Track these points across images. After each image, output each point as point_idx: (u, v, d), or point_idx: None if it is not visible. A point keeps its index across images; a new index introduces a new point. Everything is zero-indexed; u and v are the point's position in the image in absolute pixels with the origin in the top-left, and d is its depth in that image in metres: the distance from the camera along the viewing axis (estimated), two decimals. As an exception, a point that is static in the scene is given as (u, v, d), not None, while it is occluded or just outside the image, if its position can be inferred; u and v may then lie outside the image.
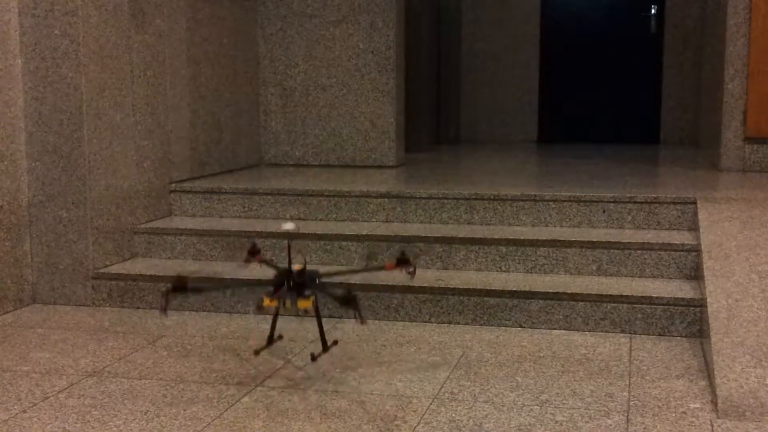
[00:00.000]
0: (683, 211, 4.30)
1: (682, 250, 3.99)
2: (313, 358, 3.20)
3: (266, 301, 3.11)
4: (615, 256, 4.06)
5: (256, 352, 3.31)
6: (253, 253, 3.49)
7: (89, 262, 4.31)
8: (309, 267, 3.28)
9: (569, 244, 4.12)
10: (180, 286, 3.12)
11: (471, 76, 8.44)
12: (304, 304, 3.11)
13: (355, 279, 4.09)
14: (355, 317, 3.10)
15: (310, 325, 3.92)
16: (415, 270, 3.30)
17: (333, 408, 2.91)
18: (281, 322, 3.98)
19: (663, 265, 4.01)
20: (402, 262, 3.27)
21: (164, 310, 3.17)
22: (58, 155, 4.25)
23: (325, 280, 3.31)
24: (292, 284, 3.12)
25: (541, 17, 8.27)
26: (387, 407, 2.91)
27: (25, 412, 2.92)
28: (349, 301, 3.01)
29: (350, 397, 3.02)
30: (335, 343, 3.45)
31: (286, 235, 3.34)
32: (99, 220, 4.34)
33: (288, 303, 3.11)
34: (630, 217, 4.36)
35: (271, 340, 3.36)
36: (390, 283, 4.00)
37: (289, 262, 3.19)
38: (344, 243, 4.36)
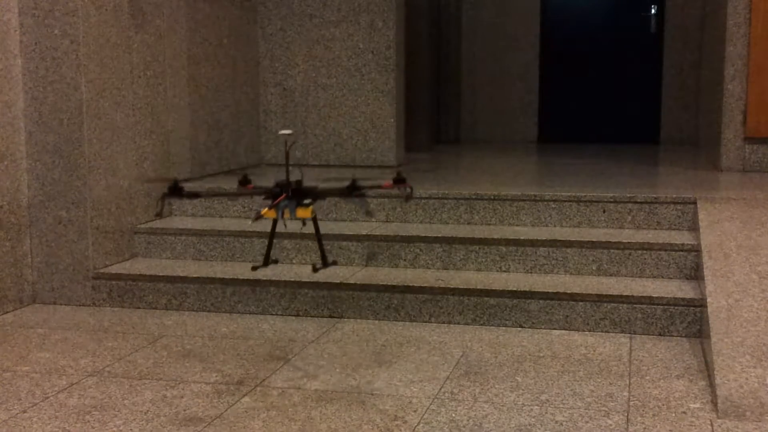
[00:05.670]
0: (683, 211, 4.30)
1: (682, 250, 3.98)
2: (315, 269, 3.14)
3: (264, 211, 3.04)
4: (615, 256, 4.06)
5: (254, 269, 3.25)
6: (244, 184, 3.37)
7: (89, 262, 4.31)
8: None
9: (569, 244, 4.12)
10: (176, 189, 3.06)
11: (471, 76, 8.44)
12: (304, 213, 3.04)
13: (355, 279, 4.09)
14: (365, 210, 3.09)
15: (310, 325, 3.92)
16: (412, 190, 3.19)
17: (333, 408, 2.92)
18: (282, 322, 3.98)
19: (663, 265, 4.01)
20: (399, 180, 3.16)
21: (159, 214, 3.12)
22: (58, 155, 4.25)
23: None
24: (291, 193, 3.04)
25: (541, 17, 8.27)
26: (387, 407, 2.91)
27: (25, 412, 2.92)
28: (353, 189, 2.99)
29: (350, 397, 3.02)
30: (335, 262, 3.36)
31: (285, 142, 3.26)
32: (99, 220, 4.34)
33: (287, 213, 3.04)
34: (630, 217, 4.36)
35: (267, 258, 3.26)
36: (390, 283, 4.00)
37: (287, 170, 3.10)
38: (344, 243, 4.36)
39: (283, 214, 3.05)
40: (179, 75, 5.03)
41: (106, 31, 4.33)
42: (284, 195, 3.04)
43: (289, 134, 3.21)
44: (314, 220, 3.14)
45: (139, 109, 4.62)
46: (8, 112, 4.17)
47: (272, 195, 3.07)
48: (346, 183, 3.08)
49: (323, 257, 3.22)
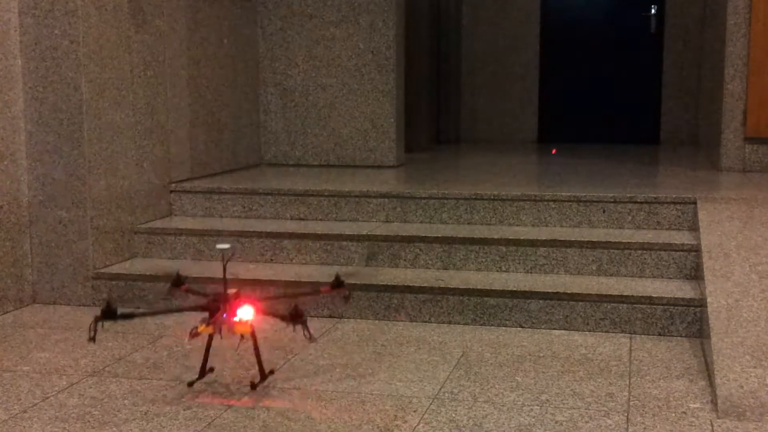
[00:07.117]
0: (683, 211, 4.30)
1: (682, 250, 3.98)
2: (253, 386, 3.07)
3: (201, 328, 2.96)
4: (615, 256, 4.06)
5: (190, 384, 3.13)
6: (178, 284, 3.36)
7: (89, 262, 4.31)
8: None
9: (569, 244, 4.11)
10: (109, 312, 2.99)
11: (471, 76, 8.44)
12: (243, 329, 3.01)
13: (354, 279, 4.09)
14: (303, 334, 3.02)
15: (310, 325, 3.91)
16: (350, 294, 3.31)
17: (333, 408, 2.92)
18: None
19: (663, 265, 4.01)
20: (336, 285, 3.26)
21: (92, 339, 2.98)
22: (58, 155, 4.25)
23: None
24: (229, 309, 2.99)
25: (541, 17, 8.27)
26: (387, 407, 2.91)
27: (25, 412, 2.92)
28: (296, 316, 2.99)
29: (350, 397, 3.02)
30: (272, 372, 3.21)
31: (222, 256, 3.16)
32: (99, 220, 4.34)
33: (224, 329, 2.99)
34: (630, 217, 4.36)
35: (203, 371, 3.16)
36: (390, 283, 4.00)
37: (225, 285, 3.07)
38: (344, 243, 4.36)
39: (221, 329, 3.00)
40: (179, 75, 5.03)
41: (106, 31, 4.33)
42: (221, 311, 2.99)
43: (226, 249, 3.16)
44: (252, 334, 3.06)
45: (139, 109, 4.62)
46: (8, 112, 4.17)
47: (209, 310, 3.02)
48: (287, 309, 3.06)
49: (261, 371, 3.12)
